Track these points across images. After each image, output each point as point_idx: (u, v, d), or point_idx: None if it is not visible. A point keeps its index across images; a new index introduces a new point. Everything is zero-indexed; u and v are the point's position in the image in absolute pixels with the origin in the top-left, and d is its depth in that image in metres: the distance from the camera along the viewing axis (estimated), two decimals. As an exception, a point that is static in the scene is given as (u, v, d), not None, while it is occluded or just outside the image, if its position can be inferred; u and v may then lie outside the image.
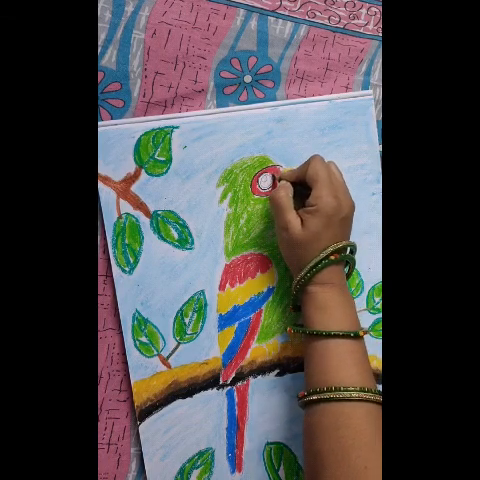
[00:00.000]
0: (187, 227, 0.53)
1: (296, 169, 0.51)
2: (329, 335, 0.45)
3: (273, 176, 0.53)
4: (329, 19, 0.54)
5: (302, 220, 0.47)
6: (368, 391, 0.42)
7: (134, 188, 0.52)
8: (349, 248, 0.49)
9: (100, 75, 0.51)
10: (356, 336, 0.45)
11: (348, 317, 0.46)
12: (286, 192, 0.49)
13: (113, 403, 0.54)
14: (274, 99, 0.54)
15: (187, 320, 0.54)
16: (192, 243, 0.54)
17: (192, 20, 0.52)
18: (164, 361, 0.54)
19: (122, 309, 0.53)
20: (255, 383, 0.55)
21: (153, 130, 0.52)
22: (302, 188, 0.50)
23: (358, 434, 0.41)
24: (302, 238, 0.46)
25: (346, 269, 0.50)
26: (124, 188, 0.52)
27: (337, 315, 0.46)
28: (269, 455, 0.55)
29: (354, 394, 0.42)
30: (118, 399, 0.54)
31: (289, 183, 0.50)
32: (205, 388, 0.54)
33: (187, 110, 0.53)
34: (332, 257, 0.46)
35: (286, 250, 0.49)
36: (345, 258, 0.48)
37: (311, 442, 0.43)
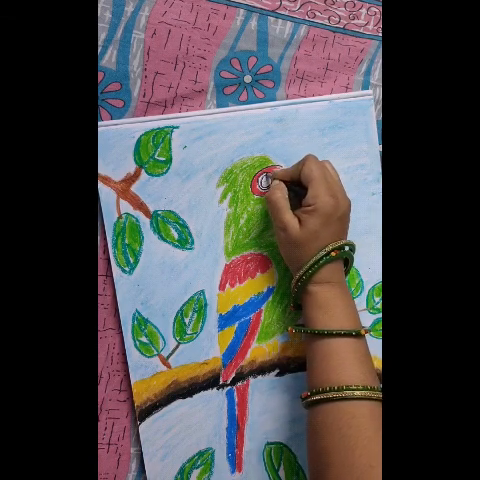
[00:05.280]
0: (187, 227, 0.53)
1: (290, 168, 0.51)
2: (331, 334, 0.45)
3: (267, 175, 0.53)
4: (329, 19, 0.54)
5: (300, 220, 0.47)
6: (371, 389, 0.42)
7: (134, 188, 0.52)
8: (348, 246, 0.49)
9: (100, 75, 0.51)
10: (358, 335, 0.45)
11: (349, 316, 0.47)
12: (282, 193, 0.49)
13: (113, 403, 0.54)
14: (274, 99, 0.54)
15: (187, 320, 0.54)
16: (192, 243, 0.54)
17: (192, 20, 0.52)
18: (164, 361, 0.54)
19: (122, 309, 0.53)
20: (255, 383, 0.55)
21: (153, 130, 0.52)
22: (297, 188, 0.50)
23: (362, 432, 0.41)
24: (301, 237, 0.46)
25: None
26: (124, 188, 0.52)
27: (338, 314, 0.46)
28: (269, 455, 0.55)
29: (357, 393, 0.42)
30: (118, 399, 0.54)
31: (283, 184, 0.50)
32: (205, 388, 0.54)
33: (187, 110, 0.53)
34: (333, 254, 0.46)
35: (285, 250, 0.49)
36: (344, 255, 0.48)
37: (315, 441, 0.43)
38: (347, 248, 0.49)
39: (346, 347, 0.45)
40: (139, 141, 0.52)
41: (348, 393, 0.42)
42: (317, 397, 0.43)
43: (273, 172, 0.53)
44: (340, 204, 0.47)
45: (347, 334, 0.45)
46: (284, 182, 0.50)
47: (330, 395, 0.43)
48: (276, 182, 0.50)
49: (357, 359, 0.45)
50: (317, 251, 0.46)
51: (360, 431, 0.41)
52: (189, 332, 0.54)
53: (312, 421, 0.44)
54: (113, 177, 0.52)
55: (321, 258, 0.46)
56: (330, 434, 0.42)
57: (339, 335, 0.45)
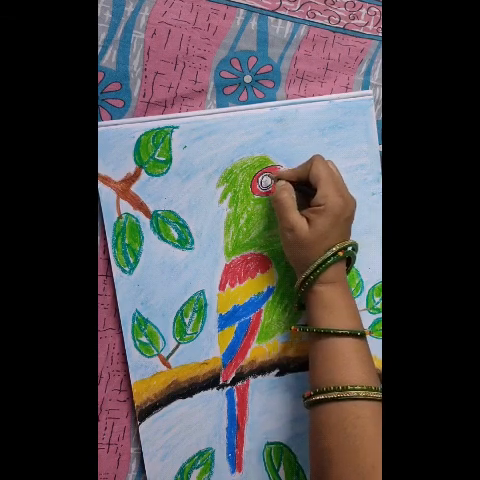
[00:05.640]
0: (187, 227, 0.53)
1: (297, 168, 0.51)
2: (336, 334, 0.45)
3: (270, 176, 0.53)
4: (329, 19, 0.54)
5: (308, 220, 0.47)
6: (374, 390, 0.42)
7: (134, 188, 0.52)
8: (351, 246, 0.49)
9: (100, 75, 0.51)
10: (362, 335, 0.45)
11: (353, 316, 0.47)
12: (289, 193, 0.48)
13: (113, 403, 0.54)
14: (274, 99, 0.54)
15: (187, 320, 0.54)
16: (192, 243, 0.54)
17: (192, 20, 0.52)
18: (164, 361, 0.54)
19: (122, 309, 0.53)
20: (255, 383, 0.55)
21: (153, 130, 0.52)
22: (303, 187, 0.49)
23: (365, 433, 0.41)
24: (310, 238, 0.46)
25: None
26: (124, 188, 0.52)
27: (343, 314, 0.46)
28: (269, 455, 0.55)
29: (361, 393, 0.42)
30: (118, 399, 0.54)
31: (290, 184, 0.50)
32: (205, 388, 0.54)
33: (187, 110, 0.53)
34: (340, 254, 0.46)
35: (291, 250, 0.49)
36: (349, 254, 0.48)
37: (318, 440, 0.43)
38: (350, 248, 0.49)
39: (350, 347, 0.45)
40: (139, 141, 0.52)
41: (353, 393, 0.42)
42: (321, 396, 0.43)
43: (278, 172, 0.52)
44: (348, 204, 0.47)
45: (352, 334, 0.45)
46: (290, 182, 0.50)
47: (334, 395, 0.43)
48: (282, 182, 0.50)
49: (360, 359, 0.45)
50: (324, 251, 0.46)
51: (365, 431, 0.41)
52: (189, 332, 0.54)
53: (314, 420, 0.44)
54: (113, 177, 0.52)
55: (329, 258, 0.46)
56: (333, 434, 0.42)
57: (344, 335, 0.45)
